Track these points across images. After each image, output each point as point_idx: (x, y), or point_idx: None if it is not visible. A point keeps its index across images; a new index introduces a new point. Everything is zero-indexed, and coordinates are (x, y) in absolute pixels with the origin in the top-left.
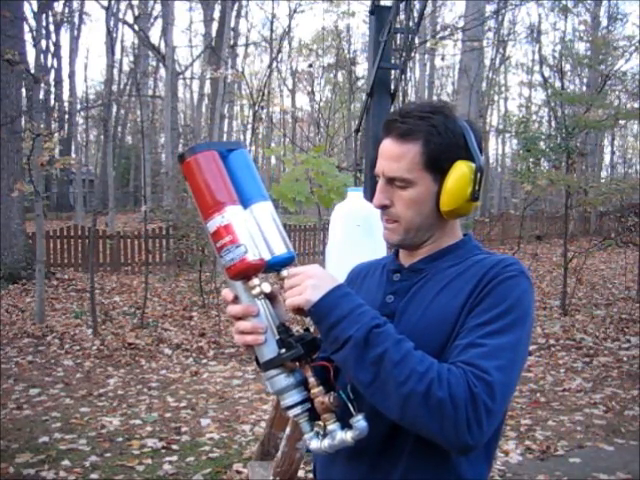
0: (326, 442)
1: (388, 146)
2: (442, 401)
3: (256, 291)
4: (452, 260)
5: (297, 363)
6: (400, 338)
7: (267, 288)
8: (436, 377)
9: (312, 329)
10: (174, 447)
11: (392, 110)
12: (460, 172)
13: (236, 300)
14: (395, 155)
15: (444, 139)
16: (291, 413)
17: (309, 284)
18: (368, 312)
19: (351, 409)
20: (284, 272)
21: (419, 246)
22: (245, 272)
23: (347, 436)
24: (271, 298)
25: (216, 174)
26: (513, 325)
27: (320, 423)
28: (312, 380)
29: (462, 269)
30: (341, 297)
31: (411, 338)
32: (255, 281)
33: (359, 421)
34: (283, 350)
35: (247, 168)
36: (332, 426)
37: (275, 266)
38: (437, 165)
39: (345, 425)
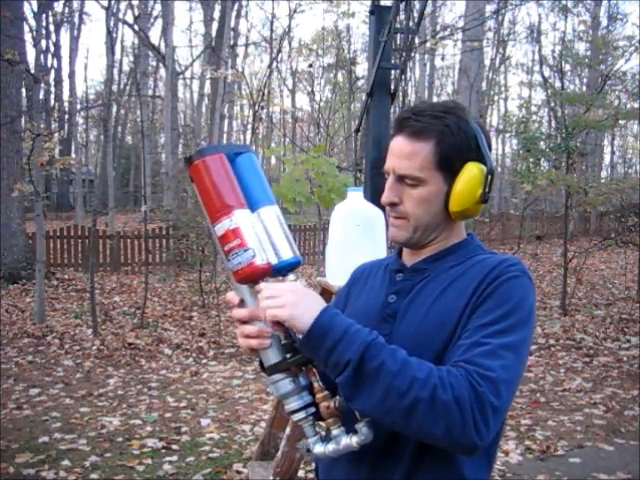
0: (330, 447)
1: (400, 144)
2: (447, 404)
3: None
4: (454, 260)
5: (302, 368)
6: (393, 348)
7: None
8: (438, 381)
9: None
10: (174, 447)
11: (404, 108)
12: (471, 173)
13: (242, 304)
14: (407, 153)
15: (457, 139)
16: (295, 417)
17: (290, 300)
18: (361, 330)
19: (356, 414)
20: (291, 276)
21: (424, 246)
22: (252, 276)
23: (352, 441)
24: None
25: (224, 177)
26: (517, 325)
27: (322, 424)
28: (317, 385)
29: (464, 269)
30: (332, 317)
31: (413, 338)
32: (262, 285)
33: (364, 426)
34: (288, 355)
35: (254, 172)
36: (337, 431)
37: (282, 270)
38: (449, 165)
39: (350, 430)
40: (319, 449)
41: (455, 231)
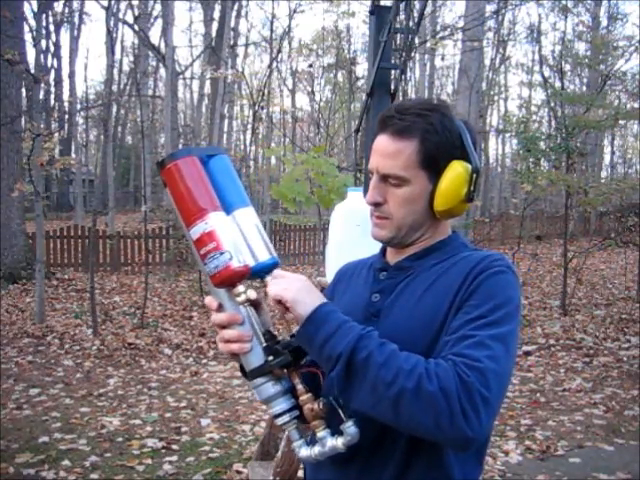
0: (316, 449)
1: (383, 142)
2: (433, 395)
3: (241, 298)
4: (438, 257)
5: (284, 370)
6: (383, 341)
7: (253, 295)
8: (424, 372)
9: None
10: (174, 447)
11: (388, 106)
12: (456, 172)
13: (220, 308)
14: (391, 152)
15: (441, 138)
16: (279, 421)
17: (296, 286)
18: (355, 326)
19: (341, 415)
20: (268, 278)
21: (409, 244)
22: (230, 279)
23: (338, 442)
24: (256, 305)
25: (197, 180)
26: (504, 318)
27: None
28: (300, 387)
29: (448, 266)
30: (330, 311)
31: (398, 337)
32: (240, 288)
33: (350, 427)
34: (270, 358)
35: (228, 174)
36: (322, 433)
37: (259, 272)
38: (433, 164)
39: (335, 432)
40: (305, 452)
41: (440, 229)
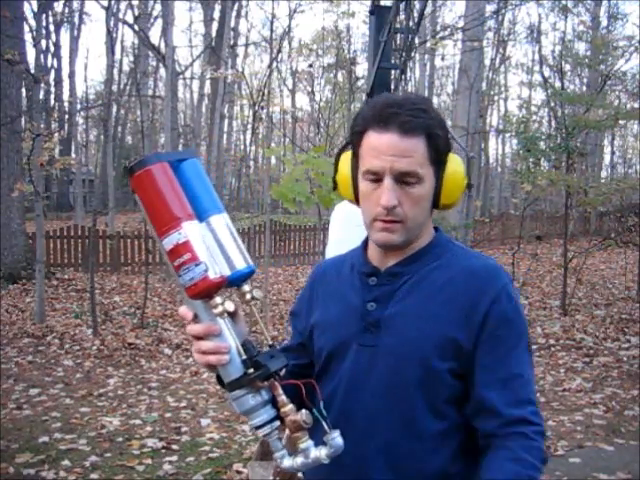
0: (299, 460)
1: (392, 141)
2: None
3: (218, 310)
4: (431, 260)
5: (265, 382)
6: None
7: (231, 307)
8: (533, 473)
9: (277, 344)
10: (174, 447)
11: (378, 103)
12: (457, 164)
13: (196, 318)
14: (404, 150)
15: (441, 132)
16: (261, 432)
17: None
18: None
19: (325, 427)
20: (245, 287)
21: (407, 245)
22: (207, 291)
23: (322, 454)
24: (232, 314)
25: (169, 188)
26: (527, 340)
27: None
28: (282, 398)
29: (450, 275)
30: None
31: (404, 348)
32: (217, 300)
33: (335, 438)
34: (250, 370)
35: (200, 179)
36: (305, 444)
37: (236, 281)
38: (439, 158)
39: (318, 442)
40: (287, 462)
41: (429, 228)
